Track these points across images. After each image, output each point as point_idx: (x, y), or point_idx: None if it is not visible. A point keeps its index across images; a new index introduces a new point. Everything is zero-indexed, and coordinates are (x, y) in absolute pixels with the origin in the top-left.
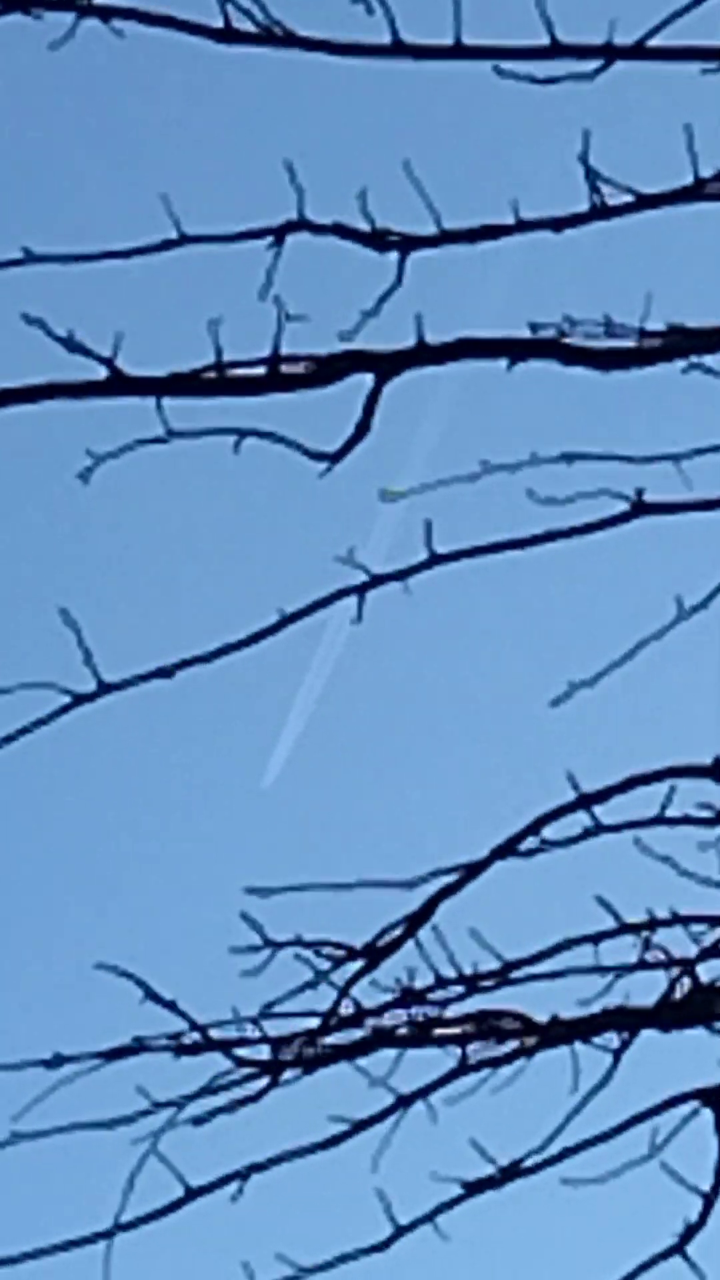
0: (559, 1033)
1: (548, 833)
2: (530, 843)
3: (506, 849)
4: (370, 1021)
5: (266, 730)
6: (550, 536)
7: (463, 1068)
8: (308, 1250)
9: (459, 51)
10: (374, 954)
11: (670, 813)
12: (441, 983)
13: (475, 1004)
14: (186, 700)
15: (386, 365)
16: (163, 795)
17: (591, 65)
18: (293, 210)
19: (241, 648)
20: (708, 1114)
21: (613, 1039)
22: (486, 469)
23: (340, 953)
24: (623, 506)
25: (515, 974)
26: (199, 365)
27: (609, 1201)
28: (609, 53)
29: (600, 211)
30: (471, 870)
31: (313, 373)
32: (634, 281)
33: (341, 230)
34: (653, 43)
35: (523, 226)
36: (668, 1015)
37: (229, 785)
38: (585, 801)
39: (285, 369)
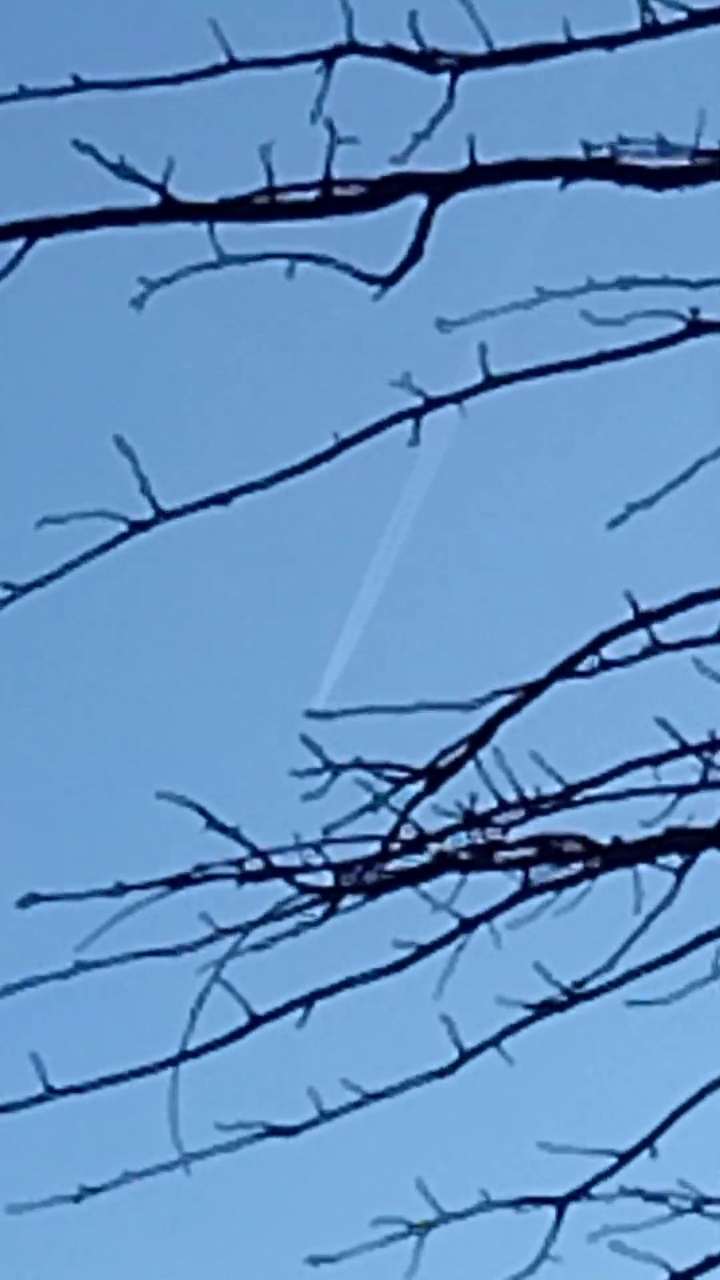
0: (621, 855)
1: (607, 652)
2: (590, 663)
3: (565, 669)
4: (432, 846)
5: (335, 561)
6: (606, 357)
7: (525, 891)
8: (373, 1076)
9: None
10: (434, 775)
11: None
12: (503, 806)
13: (537, 827)
14: (248, 529)
15: (439, 186)
16: (220, 622)
17: None
18: (342, 33)
19: (297, 473)
20: None
21: (675, 860)
22: (542, 295)
23: (401, 775)
24: (678, 325)
25: (576, 796)
26: (251, 190)
27: (673, 1024)
28: None
29: (652, 29)
30: (531, 690)
31: (365, 195)
32: (687, 101)
33: (392, 52)
34: None
35: (574, 46)
36: None
37: (292, 614)
38: (644, 620)
39: (337, 192)
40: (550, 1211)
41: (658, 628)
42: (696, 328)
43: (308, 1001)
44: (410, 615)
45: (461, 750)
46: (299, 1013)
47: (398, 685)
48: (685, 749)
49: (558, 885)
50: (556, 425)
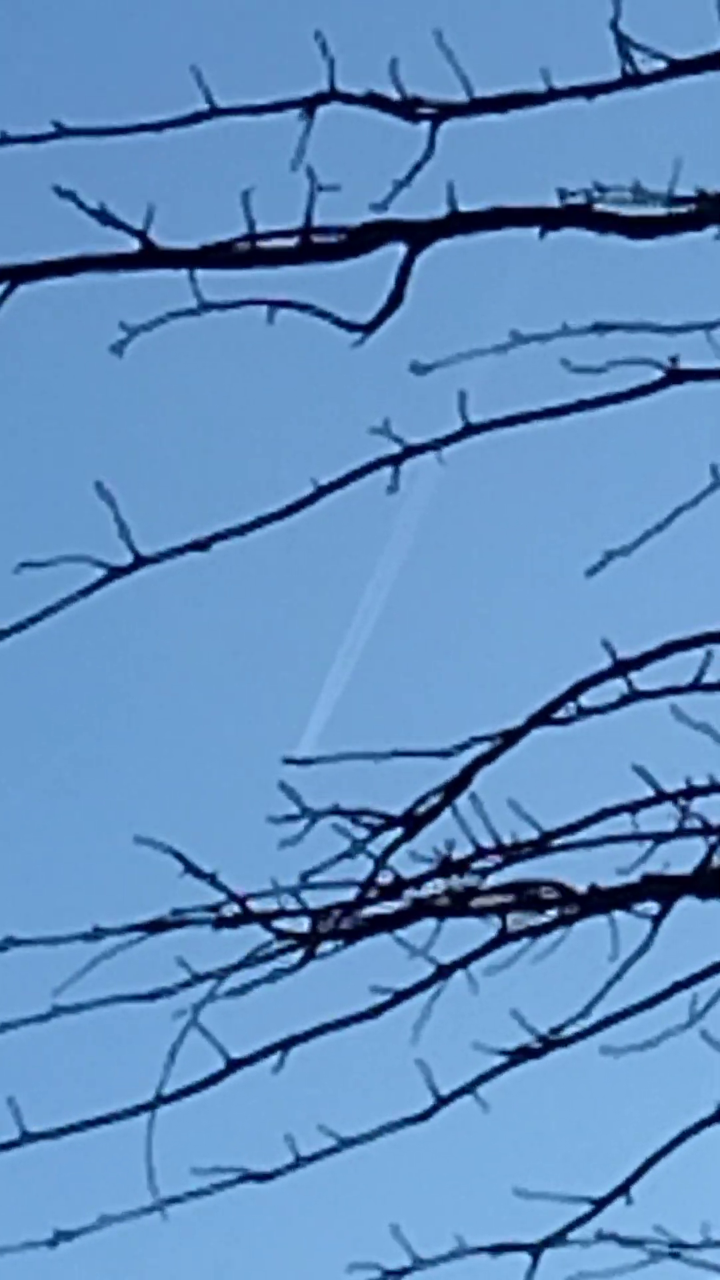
0: (598, 901)
1: (585, 700)
2: (567, 710)
3: (543, 716)
4: (409, 892)
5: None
6: (584, 405)
7: (502, 937)
8: (349, 1122)
9: None
10: (412, 822)
11: (708, 679)
12: (480, 853)
13: (514, 873)
14: (233, 577)
15: (419, 234)
16: (197, 669)
17: None
18: (324, 81)
19: (277, 519)
20: None
21: (652, 907)
22: (518, 340)
23: (378, 821)
24: (657, 374)
25: (553, 843)
26: (231, 237)
27: (649, 1070)
28: None
29: (632, 79)
30: (508, 738)
31: (345, 243)
32: (665, 149)
33: (373, 100)
34: None
35: (554, 95)
36: (707, 882)
37: (276, 662)
38: (622, 668)
39: (318, 239)
40: (525, 1258)
41: (635, 675)
42: (675, 376)
43: (284, 1046)
44: (391, 663)
45: (439, 797)
46: (275, 1058)
47: (379, 733)
48: (662, 796)
49: (534, 932)
50: (535, 473)
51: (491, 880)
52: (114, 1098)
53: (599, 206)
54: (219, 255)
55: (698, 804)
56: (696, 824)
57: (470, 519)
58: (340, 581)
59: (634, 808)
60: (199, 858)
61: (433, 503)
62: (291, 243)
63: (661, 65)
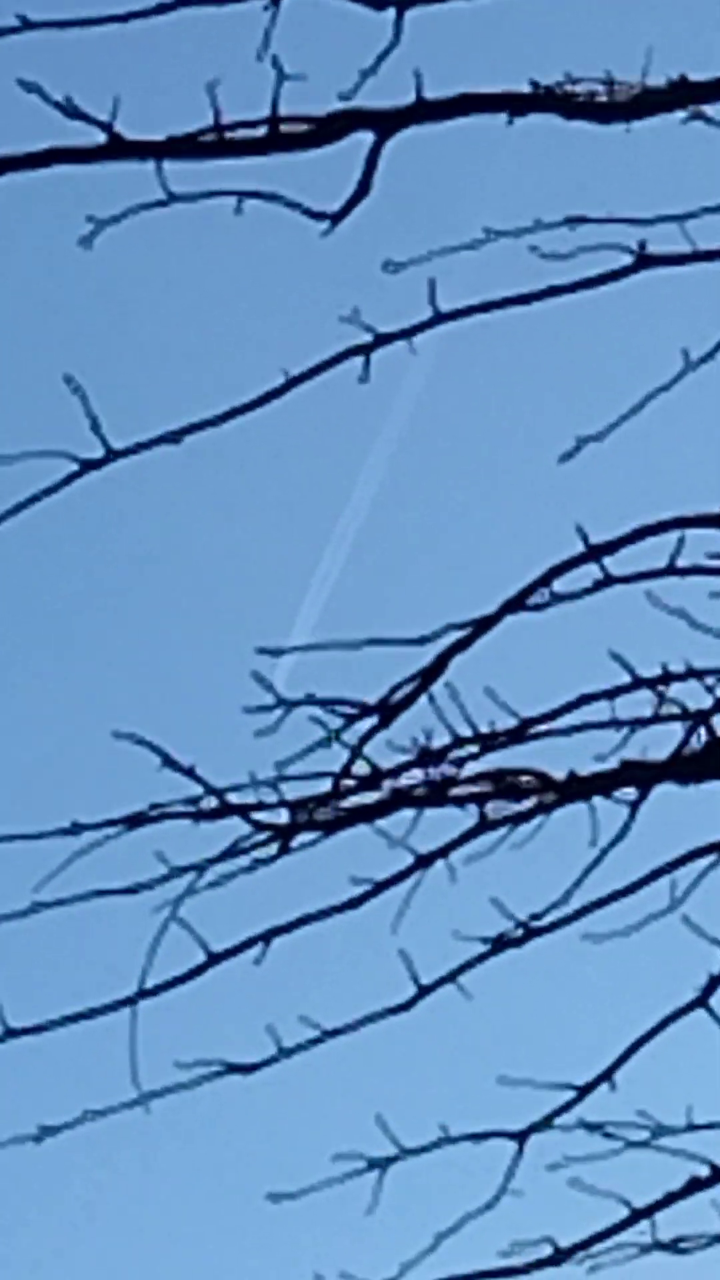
0: (576, 788)
1: (558, 586)
2: (541, 596)
3: (517, 602)
4: (387, 782)
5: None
6: (555, 291)
7: (481, 826)
8: (332, 1013)
9: None
10: (387, 710)
11: (681, 563)
12: (458, 742)
13: (492, 762)
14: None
15: (386, 122)
16: (173, 561)
17: None
18: None
19: (248, 410)
20: None
21: (630, 793)
22: (490, 235)
23: (353, 710)
24: (626, 259)
25: (531, 731)
26: (198, 128)
27: (630, 956)
28: None
29: None
30: (482, 624)
31: (312, 132)
32: (634, 38)
33: None
34: None
35: None
36: (684, 768)
37: (236, 526)
38: (595, 553)
39: (285, 129)
40: (511, 1145)
41: (609, 561)
42: (644, 261)
43: (265, 939)
44: (379, 556)
45: (414, 685)
46: (256, 950)
47: (366, 626)
48: (638, 682)
49: (513, 820)
50: (506, 361)
51: (469, 769)
52: (95, 992)
53: (566, 89)
54: (186, 146)
55: (674, 689)
56: (673, 709)
57: (442, 408)
58: (328, 477)
59: (611, 694)
60: (176, 751)
61: (412, 395)
62: (259, 133)
63: None
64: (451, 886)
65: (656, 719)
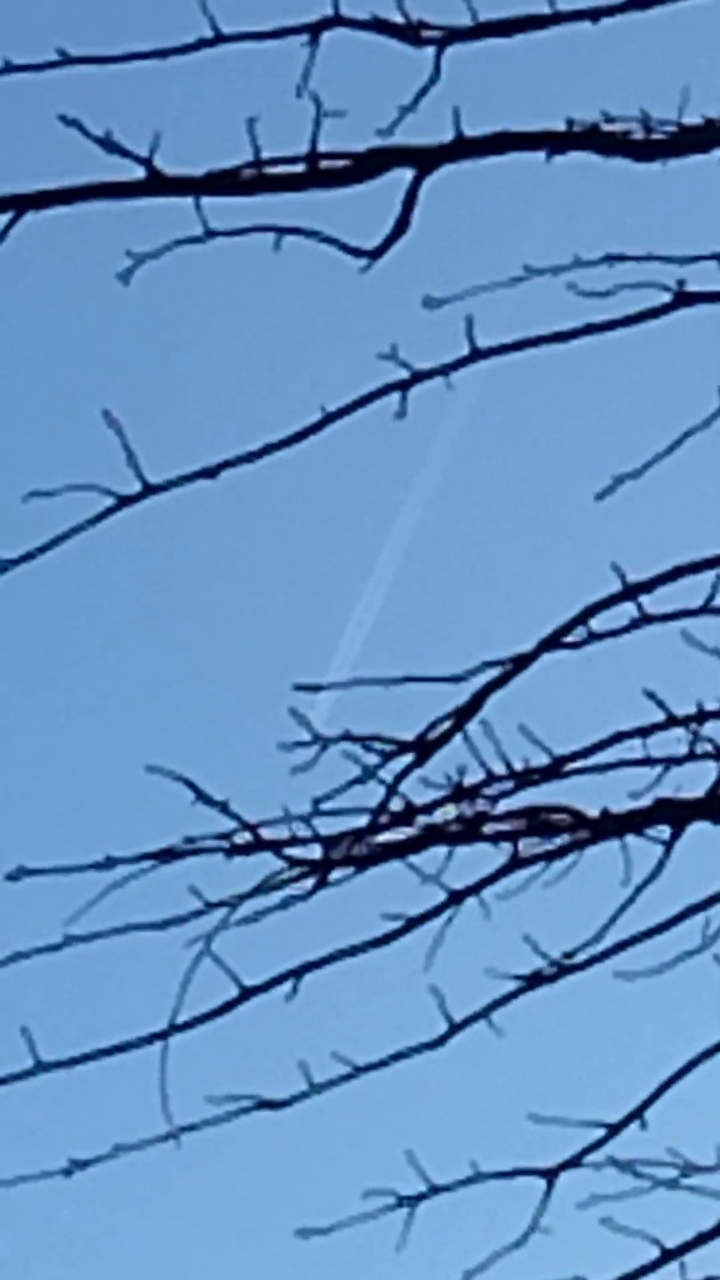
0: (610, 826)
1: (595, 624)
2: (578, 634)
3: (553, 640)
4: (421, 818)
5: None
6: (593, 329)
7: (514, 863)
8: (363, 1049)
9: None
10: (423, 747)
11: (717, 602)
12: (492, 778)
13: (526, 799)
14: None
15: (425, 159)
16: (210, 597)
17: None
18: (329, 6)
19: (285, 446)
20: None
21: (664, 831)
22: (528, 272)
23: (390, 747)
24: (665, 297)
25: (565, 768)
26: (237, 164)
27: (662, 995)
28: None
29: (637, 1)
30: (519, 662)
31: (351, 168)
32: (671, 76)
33: (378, 25)
34: None
35: (559, 18)
36: (719, 806)
37: (273, 563)
38: (632, 592)
39: (324, 165)
40: (540, 1183)
41: (645, 599)
42: (683, 299)
43: (297, 974)
44: (417, 594)
45: (450, 723)
46: (288, 985)
47: (403, 663)
48: (673, 720)
49: (547, 857)
50: (544, 398)
51: (503, 806)
52: (127, 1027)
53: (604, 128)
54: (225, 182)
55: (709, 728)
56: (708, 748)
57: (480, 446)
58: (365, 513)
59: (645, 732)
60: (210, 786)
61: (450, 433)
62: (298, 169)
63: None
64: (484, 923)
65: (691, 757)
